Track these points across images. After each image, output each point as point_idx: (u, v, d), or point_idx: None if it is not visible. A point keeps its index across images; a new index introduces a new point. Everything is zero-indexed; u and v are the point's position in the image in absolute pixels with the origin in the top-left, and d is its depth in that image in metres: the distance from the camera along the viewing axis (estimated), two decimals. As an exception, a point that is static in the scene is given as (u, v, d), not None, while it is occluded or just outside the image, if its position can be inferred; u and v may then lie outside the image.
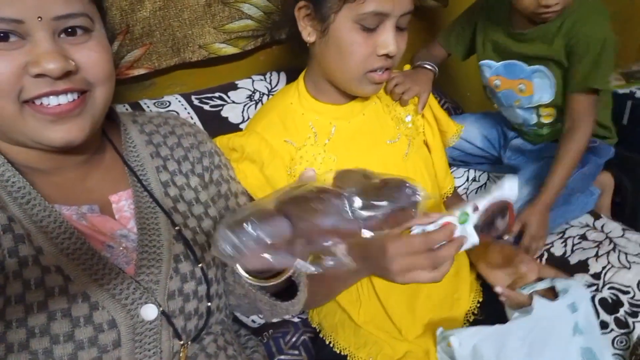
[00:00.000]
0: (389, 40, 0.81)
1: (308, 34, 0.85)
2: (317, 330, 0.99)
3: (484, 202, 0.74)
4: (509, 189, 0.73)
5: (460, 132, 1.08)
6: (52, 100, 0.58)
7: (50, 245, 0.59)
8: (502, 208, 0.74)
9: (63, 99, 0.58)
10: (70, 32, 0.59)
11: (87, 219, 0.65)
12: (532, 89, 1.06)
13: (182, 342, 0.65)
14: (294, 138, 0.89)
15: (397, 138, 0.95)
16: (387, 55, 0.82)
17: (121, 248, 0.65)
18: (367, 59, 0.82)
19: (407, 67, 1.10)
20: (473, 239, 0.72)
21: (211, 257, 0.71)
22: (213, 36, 1.04)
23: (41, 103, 0.58)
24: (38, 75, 0.56)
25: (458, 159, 1.26)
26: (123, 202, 0.69)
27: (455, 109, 1.31)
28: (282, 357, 1.01)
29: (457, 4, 1.37)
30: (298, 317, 1.06)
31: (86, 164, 0.67)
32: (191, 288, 0.66)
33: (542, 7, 0.96)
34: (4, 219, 0.58)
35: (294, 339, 1.04)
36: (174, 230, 0.68)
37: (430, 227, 0.71)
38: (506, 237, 0.77)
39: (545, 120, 1.11)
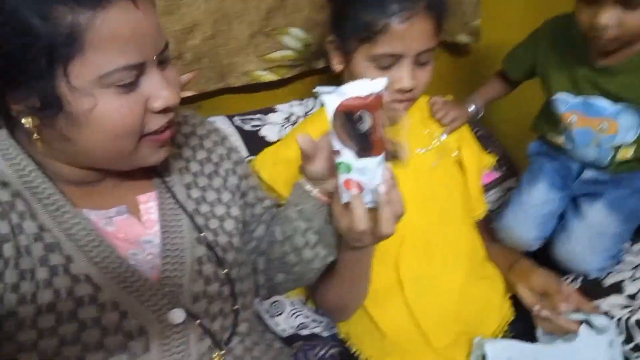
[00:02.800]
0: (402, 78, 0.86)
1: (336, 63, 0.94)
2: (345, 340, 1.00)
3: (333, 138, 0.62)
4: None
5: (494, 163, 1.10)
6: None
7: (80, 254, 0.60)
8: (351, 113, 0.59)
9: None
10: (163, 63, 0.61)
11: (114, 223, 0.66)
12: (617, 129, 0.95)
13: (209, 344, 0.66)
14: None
15: (428, 148, 1.00)
16: (402, 90, 0.87)
17: (146, 254, 0.66)
18: None
19: (449, 97, 1.12)
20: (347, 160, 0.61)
21: (233, 256, 0.71)
22: (255, 64, 1.14)
23: (155, 132, 0.60)
24: (161, 110, 0.59)
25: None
26: (150, 204, 0.70)
27: (487, 137, 1.33)
28: (311, 369, 1.02)
29: (489, 39, 1.42)
30: (327, 332, 1.08)
31: (119, 173, 0.68)
32: (215, 289, 0.67)
33: (594, 30, 0.86)
34: (35, 227, 0.59)
35: (322, 352, 1.04)
36: (196, 233, 0.69)
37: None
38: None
39: (621, 159, 1.00)
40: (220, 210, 0.74)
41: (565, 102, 1.00)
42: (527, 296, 0.95)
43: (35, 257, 0.58)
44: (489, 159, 1.12)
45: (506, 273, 1.02)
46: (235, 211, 0.76)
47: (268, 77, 1.16)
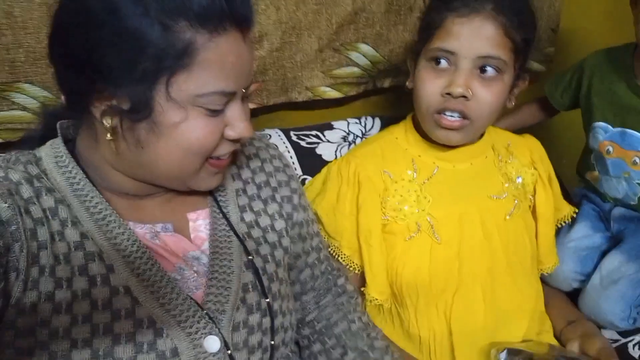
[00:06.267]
0: (455, 81, 0.80)
1: (409, 81, 0.91)
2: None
3: None
4: None
5: (573, 214, 1.02)
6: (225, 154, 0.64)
7: (122, 264, 0.59)
8: None
9: None
10: (246, 97, 0.63)
11: (160, 237, 0.65)
12: None
13: None
14: (393, 170, 0.91)
15: (504, 195, 0.92)
16: (451, 96, 0.80)
17: (192, 271, 0.65)
18: (431, 97, 0.83)
19: None
20: None
21: (277, 288, 0.69)
22: (320, 80, 1.10)
23: (218, 157, 0.63)
24: (233, 139, 0.62)
25: None
26: (200, 222, 0.69)
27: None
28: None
29: (562, 67, 1.35)
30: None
31: (172, 190, 0.67)
32: (256, 320, 0.65)
33: None
34: (77, 235, 0.59)
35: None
36: (245, 257, 0.68)
37: None
38: None
39: None
40: (272, 237, 0.72)
41: (605, 130, 1.01)
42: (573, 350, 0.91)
43: (75, 265, 0.57)
44: (568, 210, 1.01)
45: (561, 327, 0.97)
46: (286, 241, 0.74)
47: (331, 93, 1.12)
